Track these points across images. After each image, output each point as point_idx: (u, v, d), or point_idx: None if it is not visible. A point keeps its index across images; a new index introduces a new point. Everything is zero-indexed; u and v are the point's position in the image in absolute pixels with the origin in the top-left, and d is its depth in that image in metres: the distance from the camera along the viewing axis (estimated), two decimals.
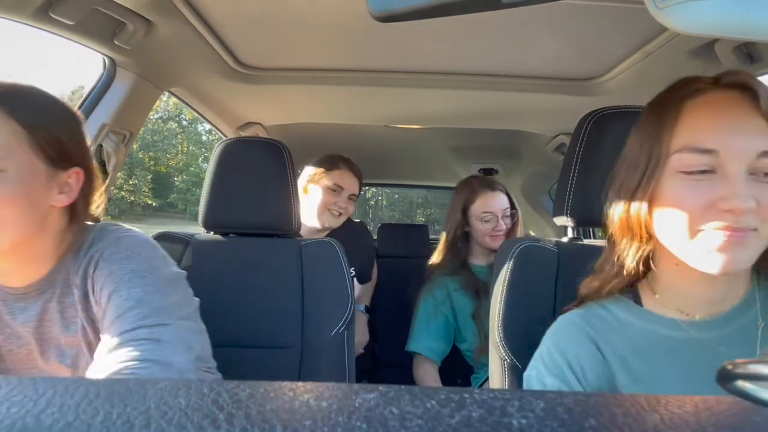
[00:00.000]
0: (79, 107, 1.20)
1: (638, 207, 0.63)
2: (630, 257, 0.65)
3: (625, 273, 0.67)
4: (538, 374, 0.69)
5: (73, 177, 0.79)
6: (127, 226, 0.87)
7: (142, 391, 0.28)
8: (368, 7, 0.40)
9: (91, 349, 0.80)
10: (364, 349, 2.01)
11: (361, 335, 2.03)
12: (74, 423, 0.24)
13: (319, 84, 1.53)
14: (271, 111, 1.88)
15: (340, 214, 1.75)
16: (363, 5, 0.40)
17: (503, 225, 1.64)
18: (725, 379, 0.28)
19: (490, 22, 1.11)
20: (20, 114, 0.72)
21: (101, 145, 1.23)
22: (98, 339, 0.77)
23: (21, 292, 0.80)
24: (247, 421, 0.25)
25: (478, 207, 1.65)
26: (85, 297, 0.79)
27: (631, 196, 0.64)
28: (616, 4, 0.99)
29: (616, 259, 0.68)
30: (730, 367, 0.29)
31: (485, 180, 1.75)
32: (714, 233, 0.56)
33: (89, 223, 0.86)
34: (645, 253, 0.65)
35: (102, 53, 1.16)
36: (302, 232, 1.77)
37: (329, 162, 1.79)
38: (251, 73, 1.46)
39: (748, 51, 1.08)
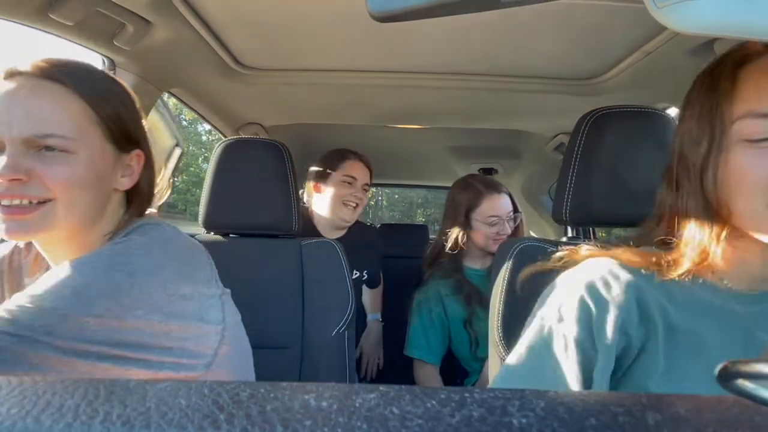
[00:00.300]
0: None
1: (712, 182, 0.59)
2: (714, 240, 0.61)
3: (698, 258, 0.62)
4: (560, 328, 0.61)
5: (135, 159, 0.76)
6: (172, 225, 0.78)
7: (142, 391, 0.28)
8: (367, 7, 0.40)
9: None
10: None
11: (376, 349, 2.01)
12: (74, 424, 0.24)
13: (318, 84, 1.53)
14: (270, 111, 1.88)
15: (357, 205, 1.75)
16: (362, 5, 0.40)
17: (508, 228, 1.61)
18: (726, 378, 0.28)
19: (489, 22, 1.11)
20: (88, 93, 0.69)
21: None
22: None
23: None
24: (248, 421, 0.25)
25: (484, 210, 1.59)
26: None
27: (701, 174, 0.60)
28: (615, 3, 0.99)
29: (684, 244, 0.64)
30: (731, 366, 0.29)
31: (489, 181, 1.68)
32: None
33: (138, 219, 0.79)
34: (727, 230, 0.61)
35: (101, 54, 1.16)
36: (321, 228, 1.78)
37: (338, 156, 1.79)
38: (251, 74, 1.46)
39: None
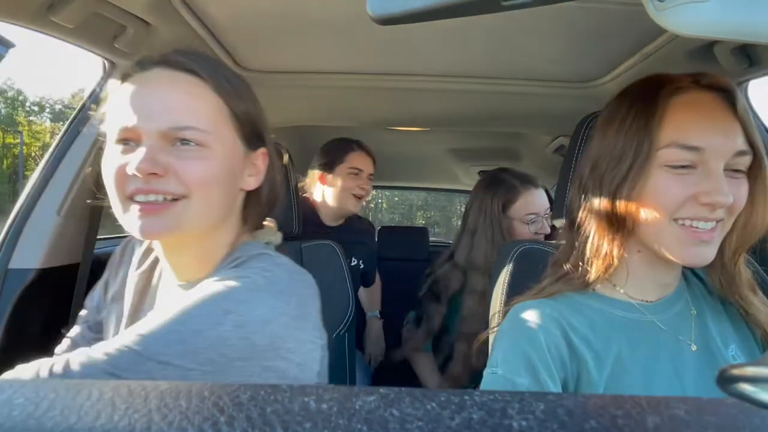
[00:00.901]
0: (80, 110, 1.20)
1: (626, 199, 0.66)
2: (616, 249, 0.67)
3: (602, 265, 0.68)
4: (506, 374, 0.66)
5: (261, 158, 0.74)
6: (276, 258, 0.72)
7: (143, 393, 0.28)
8: (368, 9, 0.40)
9: None
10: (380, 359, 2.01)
11: (377, 345, 2.01)
12: (76, 426, 0.24)
13: (318, 87, 1.53)
14: (271, 113, 1.87)
15: (362, 196, 1.78)
16: (363, 8, 0.40)
17: (547, 227, 1.48)
18: (726, 381, 0.28)
19: (489, 25, 1.12)
20: (223, 88, 0.67)
21: (101, 148, 1.23)
22: None
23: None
24: (248, 423, 0.25)
25: (520, 208, 1.46)
26: None
27: (616, 189, 0.66)
28: (615, 6, 0.99)
29: (590, 251, 0.70)
30: (730, 369, 0.29)
31: (525, 176, 1.54)
32: (686, 229, 0.62)
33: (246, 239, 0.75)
34: (625, 243, 0.68)
35: (102, 56, 1.16)
36: (324, 216, 1.80)
37: (342, 147, 1.80)
38: (251, 76, 1.46)
39: (746, 53, 1.08)
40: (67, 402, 0.26)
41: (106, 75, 1.22)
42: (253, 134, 0.72)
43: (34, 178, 1.17)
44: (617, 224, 0.67)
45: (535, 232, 1.47)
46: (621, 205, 0.66)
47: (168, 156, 0.63)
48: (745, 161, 0.63)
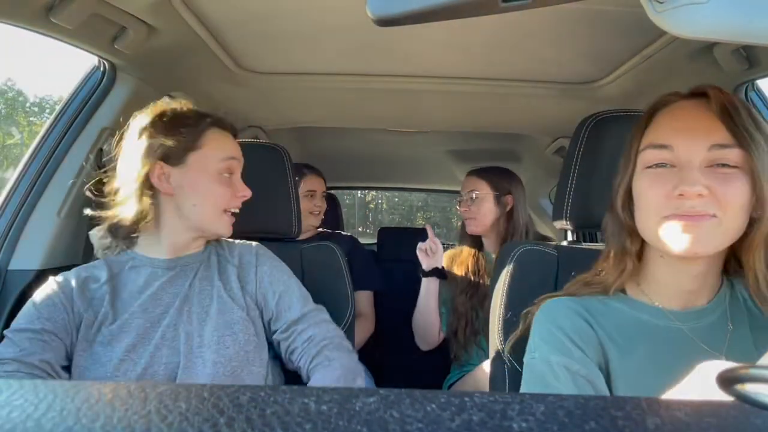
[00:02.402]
0: (79, 111, 1.20)
1: (627, 203, 0.72)
2: (627, 254, 0.73)
3: (616, 270, 0.74)
4: (543, 355, 0.71)
5: None
6: None
7: (143, 395, 0.28)
8: (368, 11, 0.40)
9: None
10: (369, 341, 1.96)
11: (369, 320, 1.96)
12: (75, 427, 0.24)
13: (318, 88, 1.53)
14: (271, 115, 1.89)
15: (319, 212, 1.96)
16: (363, 9, 0.41)
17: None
18: (726, 382, 0.28)
19: (489, 27, 1.12)
20: None
21: (101, 149, 1.23)
22: None
23: None
24: (248, 425, 0.25)
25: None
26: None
27: (615, 194, 0.74)
28: (615, 8, 0.99)
29: (605, 256, 0.76)
30: (731, 370, 0.29)
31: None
32: (675, 219, 0.65)
33: None
34: (637, 247, 0.73)
35: (102, 57, 1.16)
36: None
37: (296, 172, 1.84)
38: (252, 77, 1.46)
39: (746, 54, 1.09)
40: (65, 403, 0.26)
41: (107, 76, 1.22)
42: None
43: (30, 178, 1.17)
44: (627, 228, 0.72)
45: None
46: (625, 210, 0.72)
47: None
48: (730, 155, 0.63)
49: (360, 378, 0.96)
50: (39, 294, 0.89)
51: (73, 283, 0.90)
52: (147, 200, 0.89)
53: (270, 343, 1.00)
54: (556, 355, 0.69)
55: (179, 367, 0.86)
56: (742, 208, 0.64)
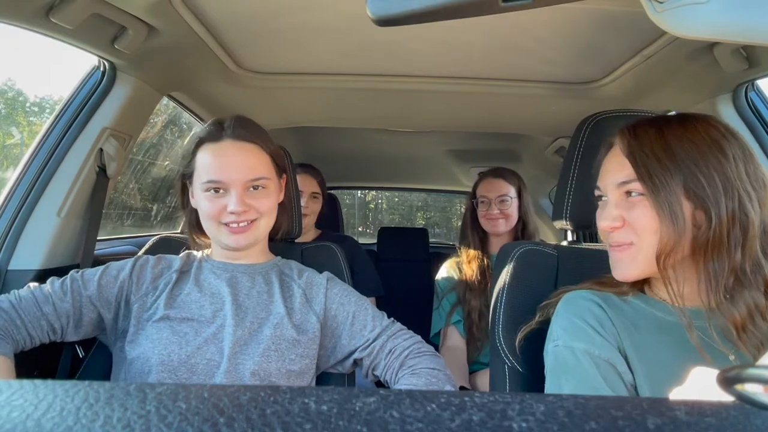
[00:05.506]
0: (79, 111, 1.20)
1: None
2: None
3: None
4: (565, 342, 0.74)
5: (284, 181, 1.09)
6: None
7: (142, 395, 0.28)
8: (368, 10, 0.40)
9: None
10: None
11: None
12: (74, 427, 0.24)
13: (318, 88, 1.53)
14: (271, 115, 1.88)
15: (307, 214, 1.88)
16: (363, 9, 0.41)
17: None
18: (727, 382, 0.28)
19: (489, 27, 1.12)
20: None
21: (102, 149, 1.23)
22: None
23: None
24: (248, 425, 0.25)
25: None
26: None
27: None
28: (615, 8, 0.99)
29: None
30: (731, 371, 0.29)
31: None
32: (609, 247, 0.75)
33: None
34: None
35: (102, 57, 1.16)
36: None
37: None
38: (251, 77, 1.46)
39: (746, 54, 1.09)
40: (65, 403, 0.26)
41: (107, 76, 1.22)
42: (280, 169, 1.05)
43: (30, 178, 1.17)
44: None
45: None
46: None
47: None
48: (633, 186, 0.73)
49: (449, 380, 0.95)
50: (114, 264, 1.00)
51: (149, 262, 1.02)
52: (190, 213, 1.07)
53: (321, 371, 1.07)
54: (578, 342, 0.73)
55: (219, 368, 0.88)
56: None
